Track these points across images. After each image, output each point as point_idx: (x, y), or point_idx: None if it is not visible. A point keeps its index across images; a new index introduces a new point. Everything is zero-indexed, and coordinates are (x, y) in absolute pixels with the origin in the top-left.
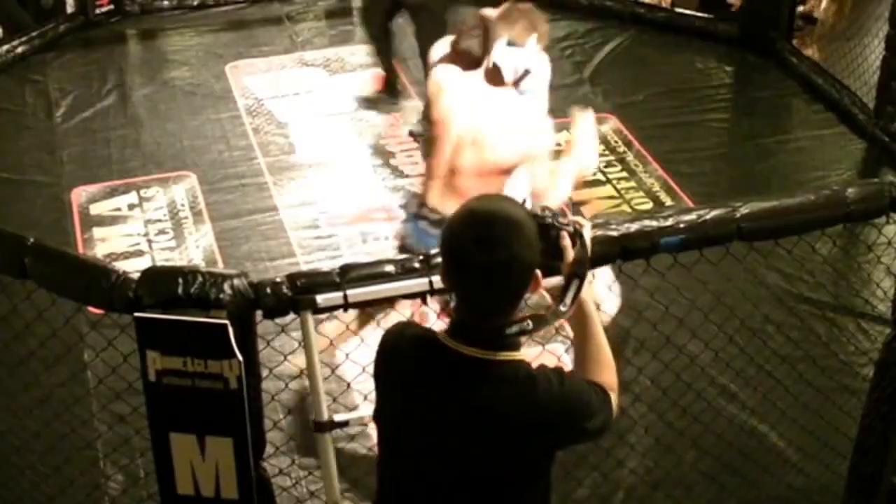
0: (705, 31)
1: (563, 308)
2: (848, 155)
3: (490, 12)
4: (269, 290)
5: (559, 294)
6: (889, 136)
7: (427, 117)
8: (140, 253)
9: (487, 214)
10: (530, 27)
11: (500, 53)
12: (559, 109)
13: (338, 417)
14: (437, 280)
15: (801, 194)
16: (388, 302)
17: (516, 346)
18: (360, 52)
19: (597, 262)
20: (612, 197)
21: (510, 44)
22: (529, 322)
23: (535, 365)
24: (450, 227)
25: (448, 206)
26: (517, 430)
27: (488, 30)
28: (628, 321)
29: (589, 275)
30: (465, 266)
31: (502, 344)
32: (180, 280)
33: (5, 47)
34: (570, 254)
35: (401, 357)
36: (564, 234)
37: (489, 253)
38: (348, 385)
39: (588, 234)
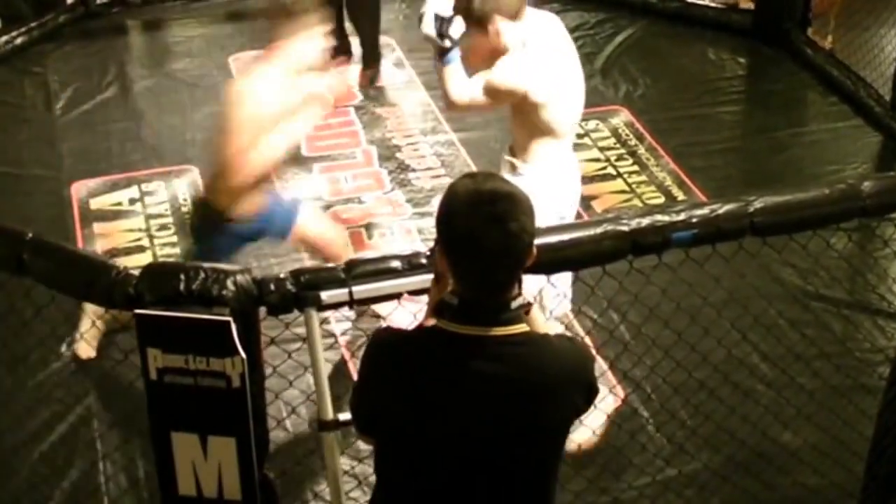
0: (718, 21)
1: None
2: (864, 148)
3: None
4: (272, 287)
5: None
6: None
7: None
8: (141, 248)
9: (489, 192)
10: None
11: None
12: None
13: (343, 416)
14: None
15: (816, 188)
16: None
17: (519, 319)
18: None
19: (607, 256)
20: (623, 191)
21: None
22: (526, 296)
23: None
24: (452, 208)
25: None
26: (548, 391)
27: None
28: (639, 318)
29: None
30: (471, 243)
31: (511, 318)
32: (182, 276)
33: (4, 38)
34: None
35: (399, 355)
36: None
37: (495, 229)
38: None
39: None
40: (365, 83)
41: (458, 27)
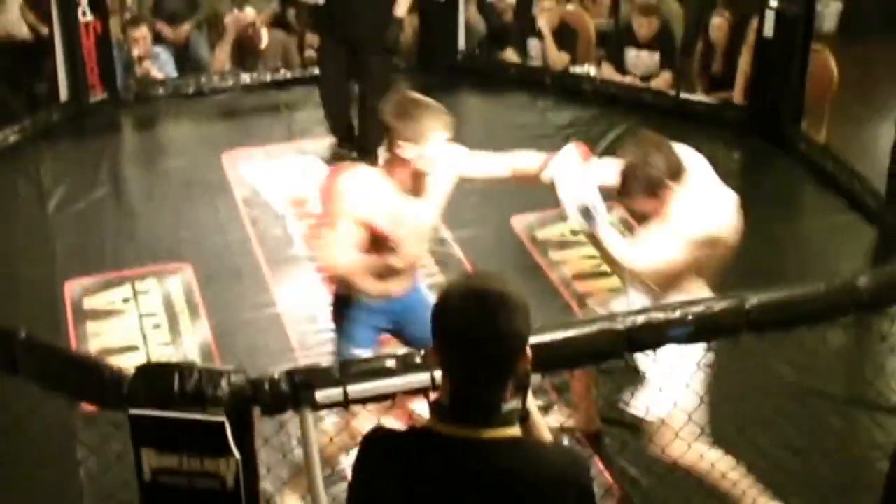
0: (711, 116)
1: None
2: (859, 242)
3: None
4: (267, 387)
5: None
6: None
7: None
8: (134, 348)
9: (483, 290)
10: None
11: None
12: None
13: None
14: (439, 375)
15: (812, 284)
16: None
17: (512, 423)
18: None
19: (604, 355)
20: (618, 289)
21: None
22: (520, 402)
23: None
24: (445, 302)
25: None
26: (537, 497)
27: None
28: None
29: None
30: (461, 342)
31: (498, 420)
32: (176, 376)
33: None
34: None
35: (390, 456)
36: None
37: (485, 328)
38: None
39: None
40: None
41: (603, 206)
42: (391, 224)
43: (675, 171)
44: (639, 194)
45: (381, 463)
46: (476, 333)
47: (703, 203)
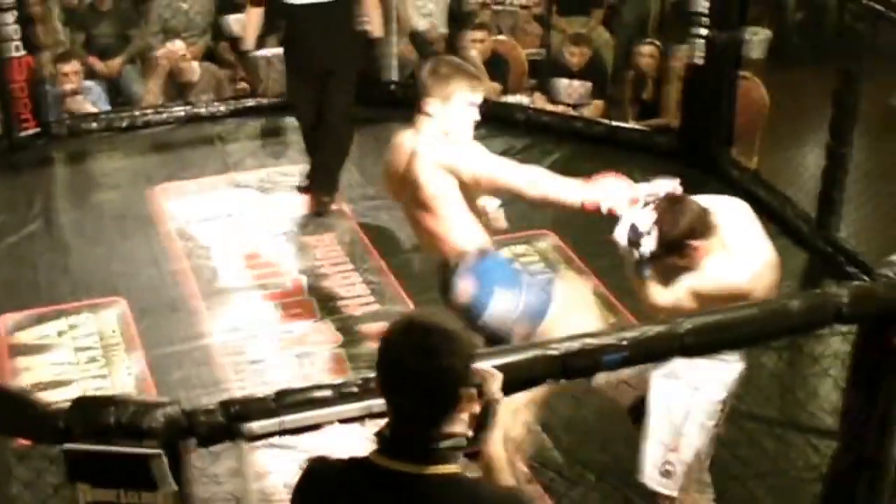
0: (643, 144)
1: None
2: (791, 266)
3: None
4: (202, 418)
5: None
6: (832, 247)
7: None
8: (68, 382)
9: (425, 325)
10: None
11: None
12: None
13: None
14: (375, 404)
15: (745, 307)
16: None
17: (452, 459)
18: (293, 172)
19: (539, 380)
20: None
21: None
22: (464, 439)
23: None
24: (388, 335)
25: None
26: None
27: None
28: (574, 442)
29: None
30: (400, 374)
31: (437, 456)
32: (111, 409)
33: None
34: (474, 406)
35: (329, 487)
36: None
37: (423, 361)
38: None
39: (496, 384)
40: (314, 208)
41: (651, 242)
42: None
43: (702, 230)
44: (664, 255)
45: (317, 492)
46: (410, 367)
47: (734, 259)
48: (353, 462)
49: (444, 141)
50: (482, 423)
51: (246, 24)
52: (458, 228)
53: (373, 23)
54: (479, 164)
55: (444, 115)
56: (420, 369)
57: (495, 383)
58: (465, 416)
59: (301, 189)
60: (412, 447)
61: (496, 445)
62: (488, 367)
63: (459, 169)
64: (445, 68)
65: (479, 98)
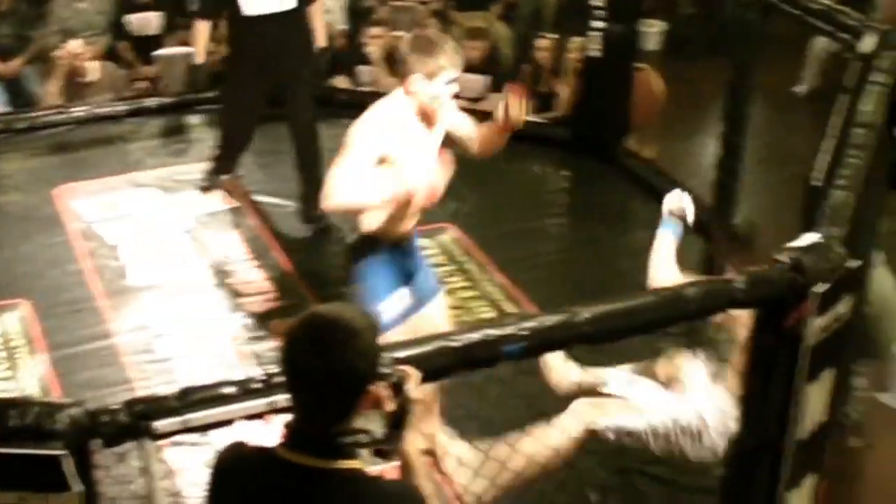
0: (541, 136)
1: (387, 450)
2: (688, 254)
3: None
4: (106, 419)
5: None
6: (727, 234)
7: None
8: None
9: (326, 320)
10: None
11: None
12: None
13: None
14: (278, 400)
15: (642, 295)
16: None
17: (354, 455)
18: (193, 171)
19: (441, 372)
20: (454, 307)
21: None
22: (365, 435)
23: None
24: (291, 331)
25: None
26: None
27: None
28: (475, 431)
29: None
30: (299, 369)
31: (338, 452)
32: (14, 412)
33: None
34: (389, 404)
35: (236, 477)
36: (383, 384)
37: (321, 359)
38: None
39: (413, 384)
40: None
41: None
42: (405, 152)
43: None
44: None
45: (225, 481)
46: (308, 362)
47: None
48: (261, 453)
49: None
50: (398, 421)
51: (195, 37)
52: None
53: (317, 32)
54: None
55: (427, 92)
56: (317, 365)
57: (413, 382)
58: (372, 412)
59: (204, 189)
60: (314, 441)
61: (412, 445)
62: (407, 367)
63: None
64: (428, 45)
65: (458, 73)
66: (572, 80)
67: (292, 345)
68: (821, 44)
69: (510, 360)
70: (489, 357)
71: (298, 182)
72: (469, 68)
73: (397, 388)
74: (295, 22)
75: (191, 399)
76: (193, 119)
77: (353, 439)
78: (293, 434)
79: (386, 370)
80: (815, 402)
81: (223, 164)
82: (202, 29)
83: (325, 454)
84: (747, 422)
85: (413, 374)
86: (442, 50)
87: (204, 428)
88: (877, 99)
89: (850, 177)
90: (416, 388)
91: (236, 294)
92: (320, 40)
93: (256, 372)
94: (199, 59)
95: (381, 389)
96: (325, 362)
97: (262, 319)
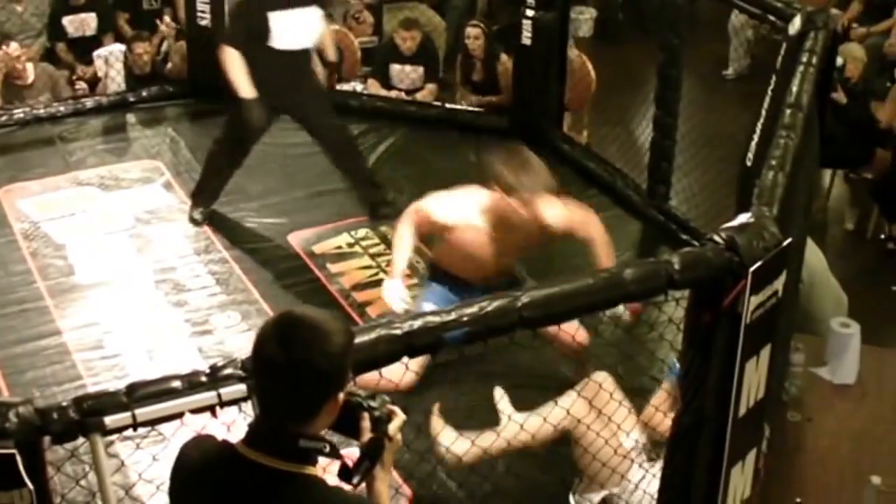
0: (477, 124)
1: (354, 480)
2: (624, 236)
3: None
4: (55, 416)
5: (354, 465)
6: (663, 215)
7: None
8: None
9: (297, 318)
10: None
11: None
12: (336, 214)
13: None
14: (225, 392)
15: (581, 278)
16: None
17: (312, 461)
18: (134, 169)
19: (384, 360)
20: None
21: None
22: (327, 445)
23: None
24: (260, 331)
25: None
26: None
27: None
28: (421, 416)
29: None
30: (263, 364)
31: (296, 455)
32: None
33: None
34: (366, 435)
35: (195, 472)
36: (366, 415)
37: (285, 353)
38: None
39: (396, 424)
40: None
41: None
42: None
43: None
44: None
45: (183, 475)
46: (271, 358)
47: None
48: (222, 448)
49: None
50: (372, 453)
51: (233, 68)
52: None
53: (327, 48)
54: None
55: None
56: (282, 359)
57: (396, 422)
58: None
59: (197, 223)
60: (275, 441)
61: (383, 483)
62: (395, 407)
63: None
64: (525, 166)
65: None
66: (506, 68)
67: (262, 339)
68: (739, 21)
69: (453, 346)
70: (432, 343)
71: (346, 178)
72: (403, 59)
73: (380, 421)
74: (309, 54)
75: (139, 394)
76: (132, 117)
77: (312, 444)
78: (255, 431)
79: (374, 404)
80: (753, 378)
81: (209, 197)
82: (237, 58)
83: (285, 456)
84: (688, 400)
85: (400, 415)
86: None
87: (153, 422)
88: (806, 80)
89: (781, 157)
90: (398, 429)
91: (180, 288)
92: (330, 55)
93: (203, 365)
94: (247, 93)
95: (364, 420)
96: (289, 357)
97: (206, 313)
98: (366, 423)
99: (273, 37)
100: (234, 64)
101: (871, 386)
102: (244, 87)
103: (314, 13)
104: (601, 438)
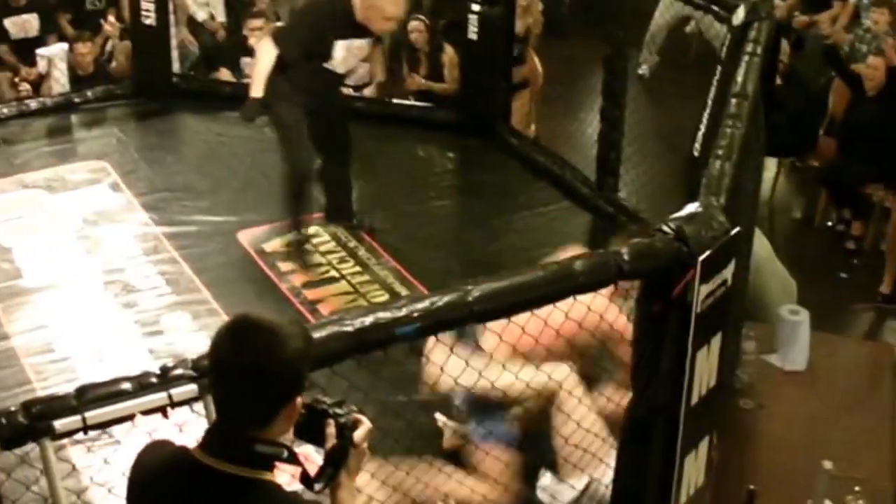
0: (423, 119)
1: (316, 487)
2: (574, 228)
3: None
4: (4, 421)
5: (318, 471)
6: (613, 206)
7: None
8: None
9: (253, 322)
10: None
11: None
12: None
13: None
14: (176, 393)
15: (531, 271)
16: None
17: (268, 467)
18: (81, 170)
19: (335, 357)
20: (347, 293)
21: None
22: (284, 451)
23: None
24: (217, 332)
25: None
26: None
27: None
28: (372, 412)
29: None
30: (218, 368)
31: (253, 460)
32: None
33: None
34: (331, 442)
35: (151, 477)
36: (331, 421)
37: (241, 357)
38: None
39: (361, 432)
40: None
41: None
42: None
43: None
44: None
45: (139, 480)
46: (229, 368)
47: None
48: (178, 454)
49: None
50: (336, 460)
51: (260, 66)
52: None
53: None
54: None
55: None
56: (238, 361)
57: (362, 431)
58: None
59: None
60: (227, 446)
61: (348, 493)
62: (362, 416)
63: None
64: None
65: None
66: (453, 63)
67: (217, 343)
68: (663, 19)
69: (404, 341)
70: (383, 339)
71: (329, 196)
72: None
73: (345, 428)
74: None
75: (89, 397)
76: (77, 118)
77: (272, 451)
78: (212, 436)
79: (340, 411)
80: (705, 367)
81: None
82: (270, 61)
83: (242, 461)
84: (640, 390)
85: (366, 423)
86: None
87: (104, 425)
88: (751, 69)
89: (727, 146)
90: (364, 437)
91: (130, 289)
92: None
93: (153, 367)
94: (257, 92)
95: (329, 426)
96: (245, 361)
97: (156, 313)
98: (331, 430)
99: (331, 61)
100: (264, 64)
101: (822, 372)
102: (259, 86)
103: (366, 42)
104: (588, 416)
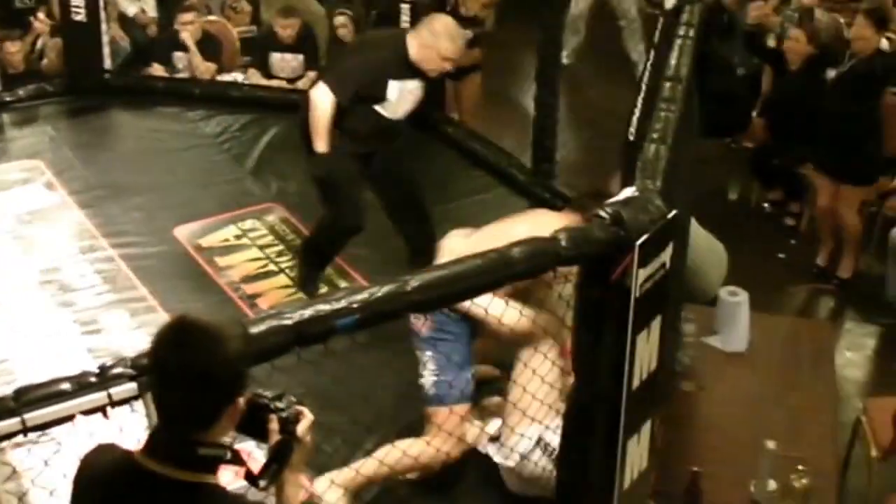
0: None
1: (261, 484)
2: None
3: None
4: None
5: (262, 468)
6: (549, 192)
7: None
8: None
9: (192, 323)
10: None
11: None
12: (223, 204)
13: None
14: (115, 392)
15: (469, 259)
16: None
17: (212, 470)
18: (14, 169)
19: (274, 352)
20: (286, 286)
21: None
22: (228, 452)
23: None
24: (156, 334)
25: None
26: None
27: None
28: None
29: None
30: (159, 371)
31: (196, 464)
32: None
33: None
34: (274, 437)
35: (95, 483)
36: (273, 416)
37: (181, 360)
38: None
39: (304, 425)
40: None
41: None
42: None
43: None
44: None
45: (83, 484)
46: (169, 370)
47: None
48: (122, 458)
49: None
50: (280, 456)
51: (319, 121)
52: None
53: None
54: None
55: None
56: (179, 363)
57: (305, 424)
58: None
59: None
60: (170, 450)
61: (292, 487)
62: (304, 408)
63: None
64: None
65: None
66: None
67: (157, 346)
68: (578, 10)
69: (344, 333)
70: (323, 332)
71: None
72: (283, 48)
73: (288, 422)
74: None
75: (27, 398)
76: (9, 117)
77: (216, 453)
78: (154, 440)
79: (281, 404)
80: (645, 351)
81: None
82: (330, 114)
83: (185, 465)
84: (581, 375)
85: (308, 416)
86: None
87: (44, 426)
88: (684, 53)
89: (662, 130)
90: (307, 430)
91: (68, 289)
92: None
93: (93, 366)
94: (323, 147)
95: (272, 422)
96: (187, 362)
97: (94, 312)
98: (273, 425)
99: (384, 103)
100: (323, 112)
101: (762, 352)
102: (324, 139)
103: (419, 84)
104: (547, 364)
